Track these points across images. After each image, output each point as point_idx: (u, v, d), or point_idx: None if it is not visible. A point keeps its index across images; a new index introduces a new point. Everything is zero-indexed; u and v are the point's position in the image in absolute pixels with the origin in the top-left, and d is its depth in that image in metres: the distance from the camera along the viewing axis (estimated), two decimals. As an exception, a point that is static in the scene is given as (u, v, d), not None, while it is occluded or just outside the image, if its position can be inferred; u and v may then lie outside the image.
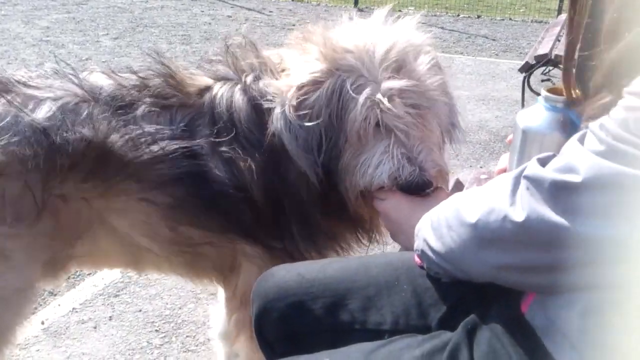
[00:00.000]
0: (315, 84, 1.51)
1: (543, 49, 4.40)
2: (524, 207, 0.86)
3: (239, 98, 1.62)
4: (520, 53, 7.82)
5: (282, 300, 1.26)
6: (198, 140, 1.59)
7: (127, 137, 1.51)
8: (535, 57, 4.29)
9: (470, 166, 4.23)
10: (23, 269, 1.47)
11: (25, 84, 1.53)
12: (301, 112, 1.52)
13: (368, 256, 1.36)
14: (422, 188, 1.45)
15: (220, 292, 2.23)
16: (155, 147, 1.54)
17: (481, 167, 4.14)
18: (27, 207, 1.39)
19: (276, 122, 1.54)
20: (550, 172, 0.83)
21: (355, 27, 1.59)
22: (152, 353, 2.34)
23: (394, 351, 0.97)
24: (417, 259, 1.19)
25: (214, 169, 1.59)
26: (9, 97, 1.46)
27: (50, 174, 1.42)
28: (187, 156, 1.57)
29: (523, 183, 0.88)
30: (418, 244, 1.15)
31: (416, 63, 1.48)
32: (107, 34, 7.86)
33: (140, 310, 2.57)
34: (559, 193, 0.82)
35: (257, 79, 1.67)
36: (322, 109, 1.50)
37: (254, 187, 1.61)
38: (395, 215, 1.39)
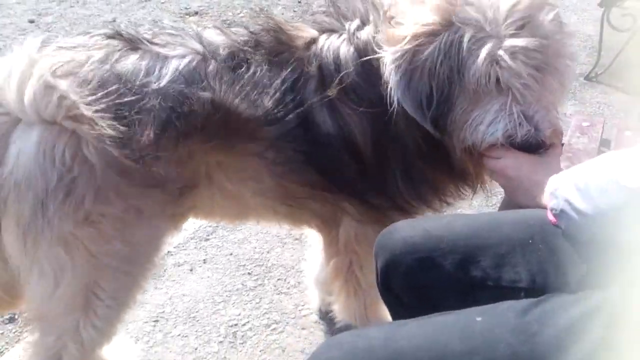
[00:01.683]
0: (431, 35, 1.49)
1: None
2: None
3: (344, 50, 1.62)
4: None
5: (410, 255, 1.29)
6: (306, 96, 1.60)
7: (243, 94, 1.54)
8: (618, -11, 4.05)
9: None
10: (153, 222, 1.56)
11: (151, 42, 1.56)
12: (414, 65, 1.50)
13: (495, 213, 1.37)
14: (536, 148, 1.45)
15: (312, 239, 2.30)
16: (267, 104, 1.57)
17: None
18: (159, 167, 1.45)
19: (387, 74, 1.53)
20: None
21: None
22: (247, 295, 2.45)
23: (548, 311, 0.99)
24: (551, 218, 1.19)
25: (322, 123, 1.61)
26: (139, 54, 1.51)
27: (179, 136, 1.46)
28: (296, 112, 1.59)
29: None
30: (556, 203, 1.15)
31: (541, 20, 1.43)
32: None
33: (231, 254, 2.67)
34: None
35: (361, 26, 1.65)
36: (436, 63, 1.48)
37: (362, 140, 1.63)
38: (514, 174, 1.39)
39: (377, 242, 1.41)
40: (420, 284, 1.29)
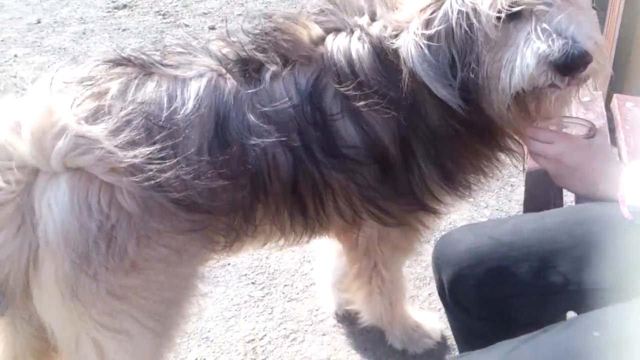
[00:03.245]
0: (436, 3, 1.44)
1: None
2: None
3: (357, 48, 1.53)
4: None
5: (479, 266, 1.25)
6: (325, 105, 1.51)
7: (261, 114, 1.45)
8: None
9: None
10: (194, 261, 1.48)
11: (163, 64, 1.43)
12: (428, 37, 1.43)
13: (562, 212, 1.35)
14: (581, 60, 1.28)
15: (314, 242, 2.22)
16: (284, 119, 1.47)
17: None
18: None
19: (407, 55, 1.45)
20: None
21: None
22: (257, 306, 2.36)
23: None
24: (626, 214, 1.17)
25: (345, 133, 1.52)
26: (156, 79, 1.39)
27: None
28: (315, 125, 1.49)
29: None
30: (634, 199, 1.14)
31: None
32: None
33: (228, 264, 2.56)
34: None
35: (370, 22, 1.57)
36: (450, 23, 1.41)
37: (389, 140, 1.55)
38: (570, 160, 1.34)
39: (436, 254, 1.36)
40: (494, 296, 1.25)
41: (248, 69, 1.49)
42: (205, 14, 5.61)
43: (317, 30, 1.58)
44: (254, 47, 1.53)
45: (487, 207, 2.83)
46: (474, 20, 1.38)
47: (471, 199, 2.84)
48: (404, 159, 1.59)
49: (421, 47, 1.43)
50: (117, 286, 1.27)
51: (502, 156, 1.66)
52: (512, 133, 1.58)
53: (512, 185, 2.96)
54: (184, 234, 1.33)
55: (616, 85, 2.64)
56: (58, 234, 1.20)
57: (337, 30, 1.58)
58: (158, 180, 1.23)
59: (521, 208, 2.19)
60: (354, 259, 1.93)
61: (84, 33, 5.21)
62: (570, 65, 1.29)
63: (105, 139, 1.22)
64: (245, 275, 2.51)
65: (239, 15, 5.55)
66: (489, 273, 1.24)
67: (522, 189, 1.94)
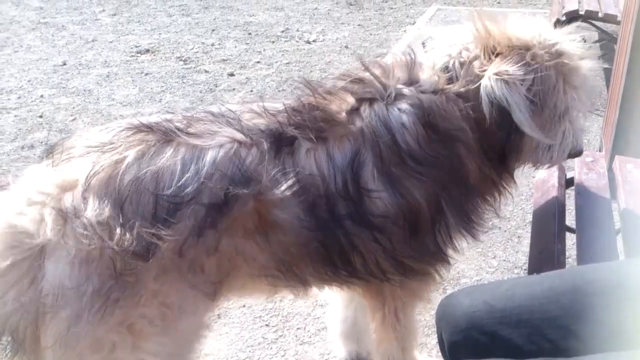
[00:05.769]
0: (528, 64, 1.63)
1: (571, 4, 4.43)
2: None
3: (400, 117, 1.59)
4: (537, 5, 7.82)
5: (475, 330, 1.33)
6: (364, 180, 1.55)
7: (286, 188, 1.48)
8: (565, 13, 4.32)
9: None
10: (197, 313, 1.57)
11: (185, 132, 1.47)
12: (525, 77, 1.61)
13: (552, 279, 1.41)
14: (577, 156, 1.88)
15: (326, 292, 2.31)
16: (311, 198, 1.51)
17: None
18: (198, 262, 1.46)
19: (493, 90, 1.59)
20: None
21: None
22: (270, 348, 2.44)
23: None
24: None
25: (380, 204, 1.56)
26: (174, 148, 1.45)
27: (217, 236, 1.45)
28: (346, 197, 1.53)
29: None
30: None
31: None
32: (103, 10, 7.66)
33: (244, 306, 2.65)
34: None
35: (416, 83, 1.66)
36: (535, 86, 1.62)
37: (424, 200, 1.61)
38: None
39: (439, 314, 1.45)
40: (490, 354, 1.34)
41: (278, 147, 1.51)
42: (225, 60, 5.82)
43: (350, 102, 1.63)
44: (289, 122, 1.55)
45: (495, 257, 2.92)
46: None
47: (479, 249, 2.94)
48: (433, 215, 1.66)
49: (515, 86, 1.60)
50: (107, 339, 1.39)
51: (502, 196, 1.82)
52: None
53: (519, 237, 3.06)
54: (178, 288, 1.45)
55: (618, 146, 2.75)
56: (57, 295, 1.32)
57: (372, 100, 1.62)
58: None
59: (527, 259, 2.29)
60: (377, 308, 2.00)
61: (107, 76, 5.42)
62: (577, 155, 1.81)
63: (111, 219, 1.33)
64: (260, 317, 2.60)
65: (257, 62, 5.76)
66: (485, 336, 1.32)
67: (528, 240, 2.05)
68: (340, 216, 1.54)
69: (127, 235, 1.33)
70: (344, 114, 1.61)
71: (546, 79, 1.64)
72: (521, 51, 1.64)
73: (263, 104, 1.60)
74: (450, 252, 1.78)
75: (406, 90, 1.64)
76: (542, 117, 1.67)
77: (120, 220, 1.34)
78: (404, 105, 1.61)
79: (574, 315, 1.29)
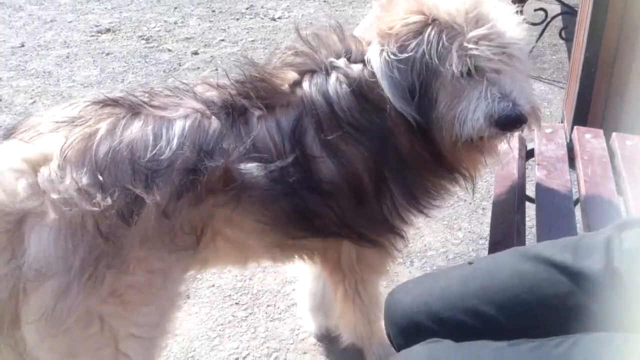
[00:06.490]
0: (414, 32, 1.63)
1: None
2: None
3: (336, 89, 1.67)
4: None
5: (416, 332, 1.36)
6: (307, 145, 1.63)
7: (243, 156, 1.55)
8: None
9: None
10: (176, 282, 1.60)
11: (150, 105, 1.53)
12: (400, 57, 1.62)
13: (484, 274, 1.43)
14: (517, 121, 1.59)
15: (295, 266, 2.33)
16: (269, 165, 1.57)
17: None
18: (179, 231, 1.48)
19: (376, 68, 1.64)
20: None
21: None
22: (240, 326, 2.46)
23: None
24: None
25: (325, 170, 1.65)
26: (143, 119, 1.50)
27: (193, 200, 1.48)
28: (297, 165, 1.61)
29: None
30: None
31: (488, 13, 1.61)
32: (61, -12, 7.43)
33: (213, 286, 2.66)
34: None
35: (349, 62, 1.72)
36: (419, 57, 1.61)
37: (364, 170, 1.69)
38: None
39: (385, 309, 1.48)
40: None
41: (233, 112, 1.60)
42: (188, 39, 5.72)
43: (292, 75, 1.71)
44: (238, 93, 1.64)
45: (460, 229, 2.98)
46: (438, 67, 1.59)
47: (445, 222, 2.99)
48: (377, 186, 1.73)
49: (389, 64, 1.62)
50: (95, 312, 1.38)
51: (461, 180, 1.84)
52: (463, 167, 1.79)
53: (483, 209, 3.11)
54: (161, 254, 1.46)
55: (579, 117, 2.82)
56: (41, 266, 1.30)
57: (312, 72, 1.71)
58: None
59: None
60: (337, 282, 2.04)
61: (67, 57, 5.29)
62: (509, 125, 1.60)
63: (90, 186, 1.34)
64: (229, 296, 2.61)
65: (222, 40, 5.69)
66: (426, 332, 1.33)
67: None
68: (293, 181, 1.61)
69: (109, 199, 1.35)
70: (286, 86, 1.70)
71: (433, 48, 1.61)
72: (411, 27, 1.63)
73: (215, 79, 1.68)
74: (399, 224, 1.83)
75: (340, 61, 1.71)
76: (433, 87, 1.63)
77: (100, 187, 1.36)
78: (339, 75, 1.68)
79: (506, 314, 1.32)
